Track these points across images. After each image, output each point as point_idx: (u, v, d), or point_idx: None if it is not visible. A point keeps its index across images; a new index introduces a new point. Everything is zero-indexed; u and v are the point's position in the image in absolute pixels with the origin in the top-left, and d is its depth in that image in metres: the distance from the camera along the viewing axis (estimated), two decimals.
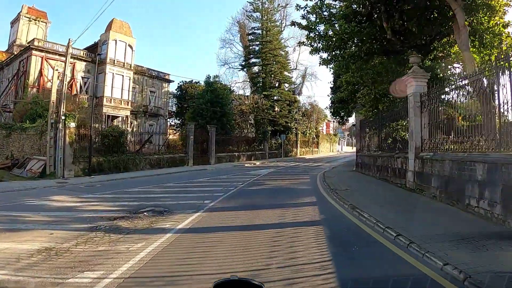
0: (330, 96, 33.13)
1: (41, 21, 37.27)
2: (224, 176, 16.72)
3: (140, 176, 17.06)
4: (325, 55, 15.72)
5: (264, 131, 36.07)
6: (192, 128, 25.14)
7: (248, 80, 46.50)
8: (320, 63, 15.89)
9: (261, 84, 44.45)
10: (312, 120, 53.26)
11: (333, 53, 15.19)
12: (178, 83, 42.75)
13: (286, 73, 46.18)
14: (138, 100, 39.44)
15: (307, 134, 51.18)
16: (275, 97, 41.45)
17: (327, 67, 16.79)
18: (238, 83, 48.23)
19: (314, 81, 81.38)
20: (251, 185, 12.67)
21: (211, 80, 31.88)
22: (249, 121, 41.52)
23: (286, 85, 47.77)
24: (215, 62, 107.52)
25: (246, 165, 26.83)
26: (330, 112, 32.98)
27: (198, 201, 8.92)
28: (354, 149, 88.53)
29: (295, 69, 50.96)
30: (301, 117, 51.12)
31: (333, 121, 33.55)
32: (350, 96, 25.96)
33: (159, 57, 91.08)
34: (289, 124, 44.26)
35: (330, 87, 33.35)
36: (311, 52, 14.68)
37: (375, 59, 14.48)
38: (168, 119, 44.73)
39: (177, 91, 43.98)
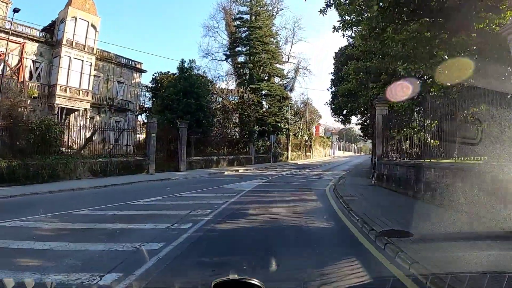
0: (331, 90, 28.23)
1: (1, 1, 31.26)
2: (189, 193, 11.35)
3: (62, 191, 11.54)
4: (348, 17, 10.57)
5: (250, 130, 30.85)
6: (154, 123, 19.64)
7: (233, 72, 41.19)
8: (336, 29, 10.62)
9: (247, 77, 39.28)
10: (304, 120, 48.41)
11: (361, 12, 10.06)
12: (153, 75, 37.25)
13: (277, 65, 41.14)
14: (102, 92, 34.08)
15: (299, 136, 46.30)
16: (263, 92, 36.28)
17: (343, 36, 11.58)
18: (222, 76, 42.86)
19: (308, 76, 76.29)
20: (225, 219, 7.31)
21: (186, 65, 26.44)
22: (233, 119, 36.32)
23: (277, 79, 42.73)
24: (197, 53, 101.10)
25: (226, 172, 21.51)
26: (331, 109, 28.04)
27: None
28: (346, 153, 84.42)
29: (287, 61, 46.06)
30: (292, 116, 46.23)
31: (335, 120, 28.52)
32: (361, 87, 21.12)
33: (131, 43, 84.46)
34: (279, 124, 39.19)
35: (331, 79, 28.47)
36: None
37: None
38: (139, 115, 39.36)
39: (152, 84, 38.53)
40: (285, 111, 42.12)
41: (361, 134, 40.74)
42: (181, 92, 24.67)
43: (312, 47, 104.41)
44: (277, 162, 35.02)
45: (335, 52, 28.15)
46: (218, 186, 13.21)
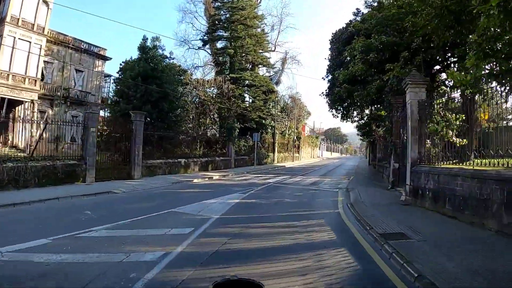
0: (328, 78, 23.85)
1: None
2: (107, 230, 6.50)
3: None
4: None
5: (230, 127, 26.12)
6: (94, 113, 14.70)
7: (212, 60, 36.32)
8: None
9: (228, 65, 34.59)
10: (292, 118, 44.09)
11: None
12: (120, 64, 32.10)
13: (262, 52, 36.59)
14: (56, 81, 29.85)
15: (286, 135, 41.95)
16: (246, 82, 31.61)
17: None
18: (200, 66, 37.89)
19: (297, 68, 71.19)
20: None
21: (149, 44, 21.49)
22: (211, 115, 31.58)
23: (263, 70, 38.25)
24: (172, 42, 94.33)
25: (195, 181, 16.76)
26: (328, 100, 23.65)
27: None
28: (334, 154, 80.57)
29: (273, 51, 41.60)
30: (279, 113, 41.83)
31: (333, 115, 24.13)
32: (371, 70, 16.88)
33: (95, 28, 77.90)
34: (264, 121, 34.67)
35: (328, 66, 24.09)
36: None
37: None
38: (102, 109, 34.33)
39: (119, 74, 33.50)
40: (270, 106, 37.67)
41: (356, 133, 36.75)
42: (140, 76, 19.75)
43: (302, 36, 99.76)
44: (262, 165, 30.48)
45: (332, 34, 23.79)
46: (170, 210, 8.45)
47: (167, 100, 20.79)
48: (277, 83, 43.66)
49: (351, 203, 9.90)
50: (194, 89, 29.81)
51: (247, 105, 33.56)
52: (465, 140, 8.54)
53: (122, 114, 19.01)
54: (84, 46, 33.25)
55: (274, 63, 39.15)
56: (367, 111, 30.34)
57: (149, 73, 20.20)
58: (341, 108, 22.10)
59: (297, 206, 9.52)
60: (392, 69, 14.85)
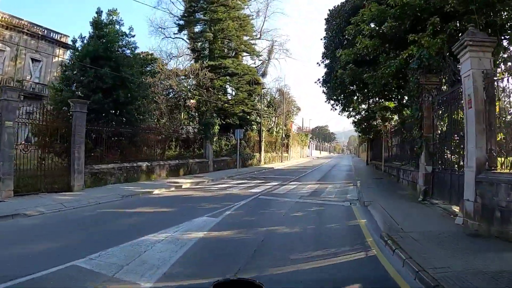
0: (325, 63, 20.26)
1: None
2: None
3: None
4: None
5: (206, 122, 22.21)
6: (11, 102, 10.57)
7: (188, 46, 32.23)
8: None
9: (207, 52, 30.67)
10: (281, 113, 40.48)
11: None
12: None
13: (247, 38, 32.78)
14: (7, 71, 26.42)
15: (274, 133, 38.29)
16: (228, 71, 27.70)
17: None
18: (176, 56, 33.66)
19: (284, 58, 66.48)
20: None
21: (104, 19, 17.38)
22: (186, 109, 27.76)
23: (248, 58, 34.46)
24: (147, 32, 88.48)
25: (155, 192, 12.86)
26: (325, 90, 20.06)
27: None
28: (323, 153, 77.44)
29: (259, 38, 37.84)
30: (266, 108, 38.17)
31: (332, 106, 20.54)
32: (384, 46, 13.45)
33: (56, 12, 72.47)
34: (248, 116, 30.92)
35: (324, 49, 20.49)
36: None
37: None
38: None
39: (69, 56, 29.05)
40: (256, 100, 33.98)
41: (354, 129, 33.38)
42: (89, 57, 15.69)
43: (292, 24, 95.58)
44: (246, 167, 26.69)
45: (329, 10, 20.16)
46: (72, 263, 4.55)
47: (125, 88, 16.76)
48: (263, 75, 39.97)
49: (387, 234, 6.22)
50: (166, 79, 25.78)
51: (229, 98, 29.72)
52: None
53: (64, 104, 14.96)
54: (43, 32, 29.17)
55: (260, 51, 35.40)
56: (363, 106, 27.06)
57: (100, 54, 16.14)
58: (343, 97, 18.46)
59: (301, 246, 5.76)
60: (416, 41, 11.34)
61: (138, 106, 17.97)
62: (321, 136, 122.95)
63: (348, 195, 12.41)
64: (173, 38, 33.93)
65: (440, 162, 10.30)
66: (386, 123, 20.05)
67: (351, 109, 18.80)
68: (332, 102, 21.08)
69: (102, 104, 15.59)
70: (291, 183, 16.27)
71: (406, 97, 14.46)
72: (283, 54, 55.22)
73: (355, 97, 18.18)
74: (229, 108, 29.10)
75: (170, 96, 26.67)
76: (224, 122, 28.48)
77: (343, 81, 16.83)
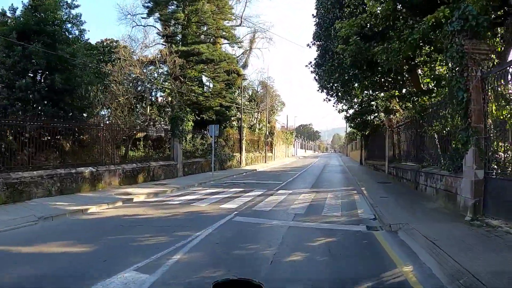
0: (319, 43, 17.07)
1: None
2: None
3: None
4: None
5: (174, 116, 18.61)
6: None
7: (160, 33, 28.41)
8: None
9: (179, 38, 27.05)
10: (264, 109, 37.20)
11: None
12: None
13: (226, 23, 29.26)
14: None
15: (257, 130, 34.94)
16: (202, 57, 24.06)
17: None
18: (147, 47, 29.72)
19: (268, 47, 61.55)
20: None
21: None
22: (152, 102, 24.19)
23: (227, 46, 30.97)
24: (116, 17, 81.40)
25: (92, 210, 9.25)
26: (318, 76, 16.82)
27: None
28: (308, 152, 74.81)
29: (239, 25, 34.47)
30: (247, 102, 34.83)
31: (326, 96, 17.31)
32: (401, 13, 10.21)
33: None
34: (227, 112, 27.45)
35: (317, 24, 17.24)
36: None
37: None
38: None
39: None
40: (236, 94, 30.56)
41: (348, 125, 30.50)
42: (17, 31, 12.06)
43: (275, 8, 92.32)
44: (224, 170, 23.21)
45: None
46: None
47: (63, 72, 13.07)
48: (245, 66, 36.63)
49: None
50: (131, 67, 22.00)
51: (204, 91, 26.15)
52: None
53: None
54: None
55: (240, 38, 31.96)
56: (355, 100, 24.11)
57: (33, 27, 12.49)
58: (340, 83, 15.18)
59: None
60: None
61: (83, 95, 14.27)
62: (306, 134, 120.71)
63: (358, 210, 9.18)
64: (144, 26, 29.96)
65: (496, 164, 7.20)
66: (391, 116, 16.98)
67: (349, 98, 15.42)
68: (325, 91, 17.87)
69: (32, 91, 11.98)
70: (278, 191, 12.88)
71: (429, 79, 11.35)
72: (266, 43, 51.93)
73: (357, 84, 14.88)
74: (205, 102, 25.58)
75: (135, 87, 22.97)
76: (199, 118, 25.00)
77: (341, 62, 13.62)
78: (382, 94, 24.32)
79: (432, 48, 12.26)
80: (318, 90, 17.47)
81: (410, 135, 13.90)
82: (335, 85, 15.53)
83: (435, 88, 12.98)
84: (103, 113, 20.03)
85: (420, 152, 12.41)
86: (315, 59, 16.91)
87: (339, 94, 16.12)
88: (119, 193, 12.08)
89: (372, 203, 9.87)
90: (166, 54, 22.40)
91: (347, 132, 67.66)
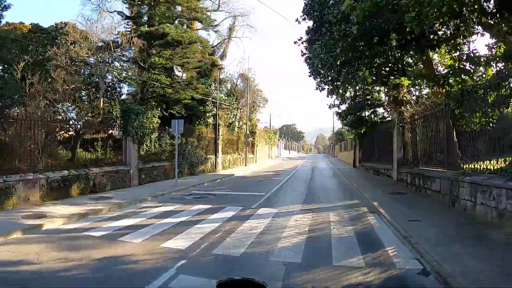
0: (313, 14, 13.61)
1: None
2: None
3: None
4: None
5: (126, 109, 14.76)
6: None
7: (124, 15, 24.34)
8: None
9: (145, 18, 23.13)
10: (244, 105, 33.61)
11: None
12: None
13: (201, 4, 25.47)
14: None
15: (236, 129, 31.30)
16: (168, 39, 20.15)
17: None
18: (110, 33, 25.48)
19: (249, 36, 56.21)
20: None
21: None
22: (106, 93, 20.37)
23: (202, 33, 27.24)
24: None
25: None
26: (308, 58, 13.36)
27: None
28: (292, 153, 71.81)
29: (217, 10, 30.81)
30: (225, 97, 31.23)
31: (317, 84, 13.88)
32: None
33: None
34: (200, 108, 23.75)
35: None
36: None
37: None
38: None
39: None
40: (212, 87, 26.90)
41: (340, 124, 27.35)
42: None
43: None
44: (195, 176, 19.47)
45: None
46: None
47: None
48: (223, 56, 33.02)
49: None
50: (77, 50, 17.99)
51: (173, 81, 22.31)
52: None
53: None
54: None
55: (217, 22, 28.27)
56: (348, 94, 20.93)
57: None
58: (339, 64, 11.62)
59: None
60: None
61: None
62: (290, 135, 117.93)
63: (388, 248, 5.73)
64: (111, 12, 25.77)
65: None
66: (402, 108, 13.67)
67: (352, 82, 11.84)
68: (319, 78, 14.46)
69: None
70: (259, 211, 9.25)
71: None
72: (247, 32, 48.52)
73: (364, 63, 11.33)
74: (174, 95, 21.82)
75: (87, 74, 19.02)
76: (167, 114, 21.26)
77: (344, 34, 10.17)
78: (378, 88, 21.27)
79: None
80: (309, 75, 14.06)
81: (435, 131, 10.57)
82: (334, 66, 12.00)
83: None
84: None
85: (455, 153, 9.09)
86: (307, 33, 13.45)
87: (340, 78, 12.58)
88: (29, 215, 8.28)
89: (403, 234, 6.43)
90: (122, 34, 18.56)
91: (334, 131, 64.87)
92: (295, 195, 12.32)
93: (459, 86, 9.15)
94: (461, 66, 9.16)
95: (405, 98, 14.20)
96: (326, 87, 15.51)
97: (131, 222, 8.02)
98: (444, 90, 9.94)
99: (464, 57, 10.14)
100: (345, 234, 6.76)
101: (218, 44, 33.00)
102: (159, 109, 21.26)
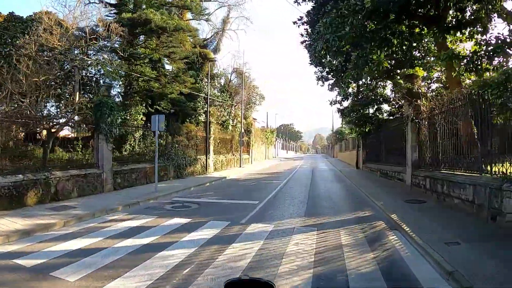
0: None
1: None
2: None
3: None
4: None
5: (99, 102, 12.86)
6: None
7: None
8: None
9: (131, 6, 21.25)
10: (239, 102, 31.82)
11: None
12: None
13: None
14: None
15: (230, 127, 29.50)
16: (152, 25, 18.25)
17: None
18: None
19: (244, 28, 51.57)
20: None
21: None
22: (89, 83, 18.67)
23: (194, 23, 25.43)
24: None
25: None
26: (308, 45, 11.58)
27: None
28: (290, 153, 70.11)
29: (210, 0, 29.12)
30: (218, 93, 29.47)
31: (318, 76, 12.10)
32: None
33: None
34: (190, 103, 21.98)
35: None
36: None
37: None
38: None
39: None
40: (204, 83, 25.12)
41: (341, 123, 25.68)
42: None
43: None
44: (182, 179, 17.62)
45: None
46: None
47: None
48: (216, 50, 31.21)
49: None
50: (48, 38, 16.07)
51: (158, 74, 20.44)
52: None
53: None
54: None
55: (208, 11, 26.45)
56: (350, 90, 19.28)
57: None
58: (349, 43, 9.76)
59: None
60: None
61: None
62: (287, 134, 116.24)
63: None
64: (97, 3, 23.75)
65: None
66: (418, 102, 11.89)
67: (367, 68, 9.93)
68: (321, 67, 12.65)
69: None
70: (249, 228, 7.39)
71: None
72: (242, 24, 46.83)
73: (379, 45, 9.48)
74: (160, 89, 19.99)
75: (60, 65, 17.12)
76: (153, 110, 19.49)
77: (357, 10, 8.38)
78: (382, 83, 19.55)
79: None
80: (310, 63, 12.27)
81: (464, 127, 8.80)
82: (339, 53, 10.15)
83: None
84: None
85: (492, 154, 7.34)
86: (308, 15, 11.63)
87: (344, 67, 10.75)
88: None
89: (448, 268, 4.64)
90: (99, 20, 16.68)
91: (334, 130, 63.14)
92: (295, 204, 10.49)
93: (498, 71, 7.41)
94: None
95: (420, 91, 12.43)
96: (329, 77, 13.70)
97: (81, 244, 6.19)
98: (473, 76, 8.22)
99: (493, 41, 8.41)
100: (366, 267, 4.95)
101: (211, 37, 31.21)
102: (144, 105, 19.48)
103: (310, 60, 12.76)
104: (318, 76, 18.35)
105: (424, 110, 11.89)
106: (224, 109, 29.38)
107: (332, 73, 13.92)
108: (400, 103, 14.39)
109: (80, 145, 12.88)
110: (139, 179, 14.78)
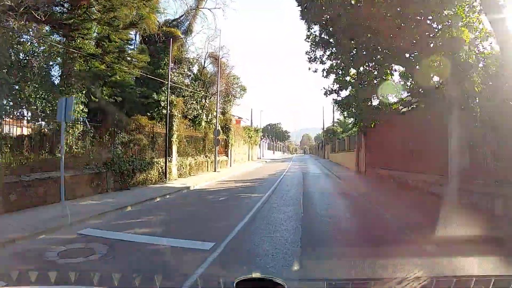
0: None
1: None
2: None
3: None
4: None
5: None
6: None
7: None
8: None
9: None
10: (214, 93, 27.47)
11: None
12: None
13: None
14: None
15: (203, 123, 25.20)
16: None
17: None
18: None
19: (223, 7, 43.58)
20: None
21: None
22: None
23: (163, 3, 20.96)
24: None
25: None
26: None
27: None
28: (277, 154, 65.63)
29: None
30: (188, 82, 25.22)
31: (314, 60, 8.03)
32: None
33: None
34: (136, 89, 17.72)
35: None
36: None
37: None
38: None
39: None
40: (174, 72, 20.87)
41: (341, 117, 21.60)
42: None
43: None
44: (128, 190, 13.19)
45: None
46: None
47: None
48: (187, 31, 26.83)
49: None
50: None
51: (103, 51, 15.96)
52: None
53: None
54: None
55: None
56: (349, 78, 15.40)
57: None
58: None
59: None
60: None
61: None
62: (274, 134, 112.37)
63: None
64: None
65: None
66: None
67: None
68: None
69: None
70: None
71: None
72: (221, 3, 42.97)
73: None
74: (104, 71, 15.63)
75: None
76: (96, 99, 15.14)
77: None
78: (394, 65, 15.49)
79: None
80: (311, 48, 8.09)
81: None
82: None
83: None
84: None
85: None
86: None
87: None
88: None
89: None
90: None
91: (324, 129, 59.30)
92: (280, 247, 6.22)
93: None
94: None
95: (471, 62, 8.39)
96: (325, 57, 9.64)
97: None
98: None
99: None
100: None
101: (182, 16, 26.80)
102: (84, 92, 14.98)
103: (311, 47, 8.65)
104: (311, 57, 14.29)
105: (477, 90, 7.86)
106: (197, 102, 25.03)
107: (330, 48, 9.99)
108: (433, 82, 10.31)
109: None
110: (50, 195, 10.26)
